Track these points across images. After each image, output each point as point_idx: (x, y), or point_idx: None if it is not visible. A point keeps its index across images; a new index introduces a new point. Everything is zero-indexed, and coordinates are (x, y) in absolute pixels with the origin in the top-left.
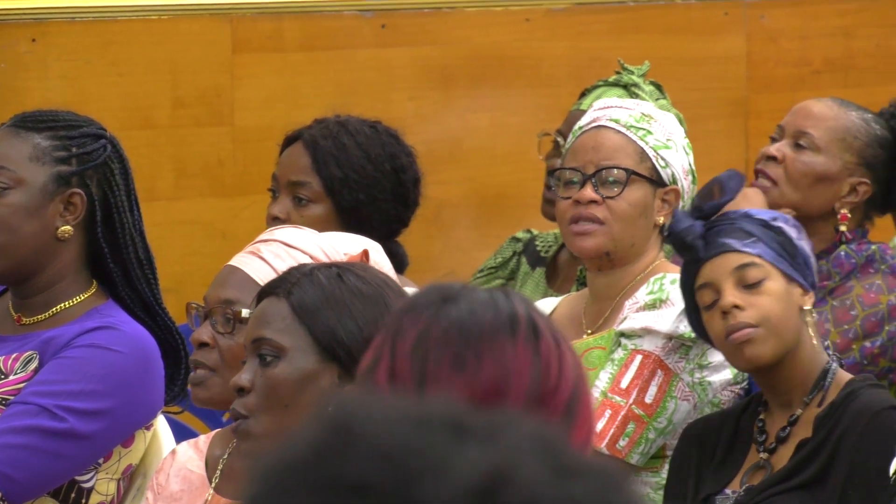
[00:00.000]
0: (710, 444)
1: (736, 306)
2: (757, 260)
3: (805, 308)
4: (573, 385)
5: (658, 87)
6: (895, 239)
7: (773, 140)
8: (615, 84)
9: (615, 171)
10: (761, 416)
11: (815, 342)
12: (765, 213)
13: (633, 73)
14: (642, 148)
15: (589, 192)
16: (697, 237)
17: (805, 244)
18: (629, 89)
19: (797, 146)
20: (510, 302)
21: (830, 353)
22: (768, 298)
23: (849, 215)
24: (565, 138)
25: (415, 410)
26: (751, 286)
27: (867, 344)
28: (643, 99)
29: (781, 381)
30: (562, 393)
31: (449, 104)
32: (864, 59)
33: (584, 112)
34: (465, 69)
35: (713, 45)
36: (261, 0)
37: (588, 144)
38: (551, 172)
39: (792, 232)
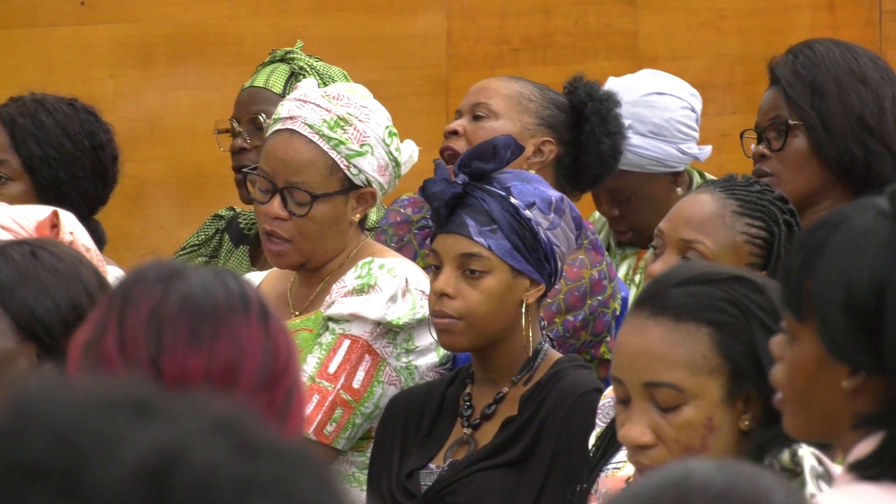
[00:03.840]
0: (415, 417)
1: (445, 294)
2: (484, 252)
3: (528, 302)
4: (295, 369)
5: (314, 57)
6: (595, 214)
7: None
8: (270, 62)
9: (300, 192)
10: (468, 390)
11: (531, 329)
12: (529, 196)
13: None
14: (333, 159)
15: (276, 207)
16: (443, 204)
17: (557, 234)
18: (286, 60)
19: (475, 118)
20: (239, 282)
21: (545, 333)
22: (480, 295)
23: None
24: (240, 121)
25: (97, 392)
26: (470, 276)
27: (570, 318)
28: (300, 62)
29: (492, 360)
30: (288, 376)
31: (150, 82)
32: (563, 37)
33: (248, 91)
34: (166, 47)
35: (413, 22)
36: None
37: (279, 154)
38: (238, 168)
39: (543, 222)
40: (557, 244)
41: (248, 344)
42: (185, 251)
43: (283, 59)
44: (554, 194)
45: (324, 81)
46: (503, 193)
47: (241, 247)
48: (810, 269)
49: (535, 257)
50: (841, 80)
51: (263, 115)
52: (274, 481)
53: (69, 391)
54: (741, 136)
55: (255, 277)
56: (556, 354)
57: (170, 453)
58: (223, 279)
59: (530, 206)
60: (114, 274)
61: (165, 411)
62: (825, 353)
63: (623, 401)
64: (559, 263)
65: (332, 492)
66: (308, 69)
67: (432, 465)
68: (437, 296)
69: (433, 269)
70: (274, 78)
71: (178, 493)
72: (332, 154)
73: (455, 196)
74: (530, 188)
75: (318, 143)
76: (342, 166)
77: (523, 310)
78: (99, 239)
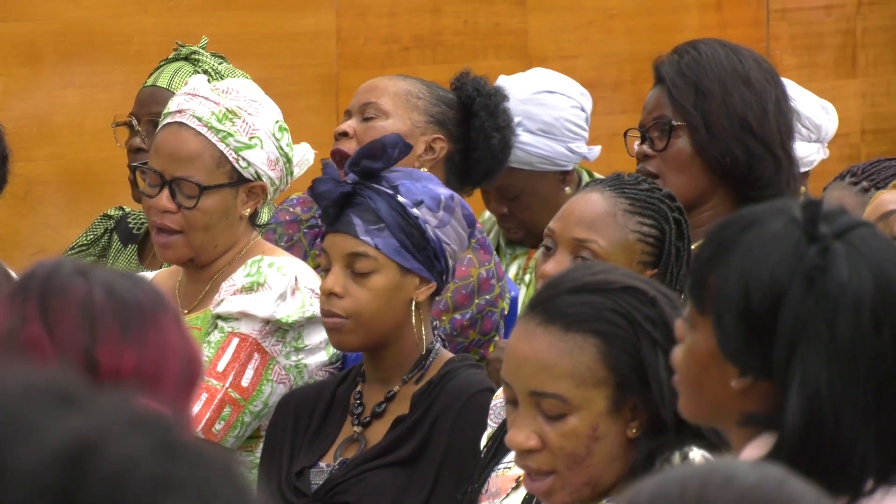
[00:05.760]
0: (305, 415)
1: (333, 293)
2: (371, 251)
3: (419, 300)
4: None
5: (220, 56)
6: (485, 214)
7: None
8: (175, 59)
9: (188, 184)
10: (359, 389)
11: (422, 328)
12: (417, 194)
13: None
14: (222, 151)
15: (164, 201)
16: (331, 204)
17: (447, 232)
18: (190, 60)
19: (365, 119)
20: (150, 283)
21: (436, 333)
22: (368, 294)
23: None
24: (139, 119)
25: (23, 379)
26: (358, 275)
27: (457, 316)
28: (205, 65)
29: (382, 359)
30: (199, 377)
31: (37, 80)
32: (452, 36)
33: (150, 89)
34: (54, 45)
35: (303, 20)
36: None
37: (167, 147)
38: (132, 168)
39: (431, 220)
40: (447, 242)
41: (172, 343)
42: (73, 250)
43: (187, 59)
44: (444, 192)
45: None
46: (391, 192)
47: (130, 246)
48: (715, 265)
49: (424, 255)
50: (725, 81)
51: None
52: (190, 482)
53: None
54: (625, 134)
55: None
56: (448, 354)
57: (88, 442)
58: (135, 279)
59: (418, 204)
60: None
61: (89, 403)
62: (718, 350)
63: (512, 402)
64: (450, 261)
65: (248, 500)
66: (212, 73)
67: (322, 464)
68: (326, 295)
69: (322, 272)
70: (177, 80)
71: (93, 482)
72: (221, 146)
73: (343, 195)
74: (419, 186)
75: (207, 135)
76: (231, 158)
77: (413, 308)
78: None
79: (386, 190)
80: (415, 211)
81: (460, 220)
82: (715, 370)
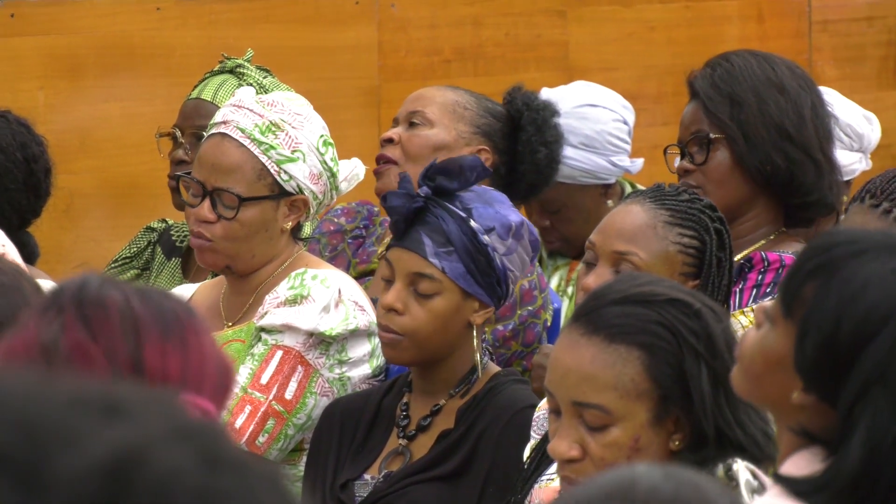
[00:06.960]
0: (350, 425)
1: (393, 309)
2: (437, 274)
3: (476, 323)
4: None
5: (265, 69)
6: None
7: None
8: (220, 72)
9: (228, 195)
10: (405, 400)
11: (474, 346)
12: (489, 220)
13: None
14: (263, 164)
15: (205, 211)
16: (401, 219)
17: (512, 259)
18: (235, 73)
19: (411, 125)
20: (174, 294)
21: (485, 346)
22: (427, 314)
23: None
24: (183, 131)
25: (68, 388)
26: (420, 294)
27: (500, 327)
28: (250, 79)
29: (433, 374)
30: (232, 385)
31: (79, 94)
32: (493, 48)
33: (194, 101)
34: (96, 58)
35: (344, 34)
36: None
37: (210, 158)
38: (176, 177)
39: (499, 248)
40: (511, 269)
41: (208, 349)
42: (116, 263)
43: (232, 71)
44: (515, 219)
45: None
46: (464, 215)
47: (174, 259)
48: (815, 278)
49: (488, 281)
50: (759, 90)
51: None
52: (235, 494)
53: (39, 385)
54: (665, 151)
55: (188, 289)
56: (495, 368)
57: (132, 453)
58: (161, 291)
59: (489, 231)
60: (46, 287)
61: (134, 413)
62: (791, 359)
63: (555, 411)
64: (511, 287)
65: None
66: (257, 87)
67: (367, 476)
68: (386, 310)
69: (384, 282)
70: (222, 92)
71: (137, 493)
72: (262, 158)
73: (414, 210)
74: (491, 212)
75: (249, 146)
76: (272, 171)
77: (473, 332)
78: (31, 252)
79: (459, 212)
80: (485, 238)
81: (526, 247)
82: (780, 374)
